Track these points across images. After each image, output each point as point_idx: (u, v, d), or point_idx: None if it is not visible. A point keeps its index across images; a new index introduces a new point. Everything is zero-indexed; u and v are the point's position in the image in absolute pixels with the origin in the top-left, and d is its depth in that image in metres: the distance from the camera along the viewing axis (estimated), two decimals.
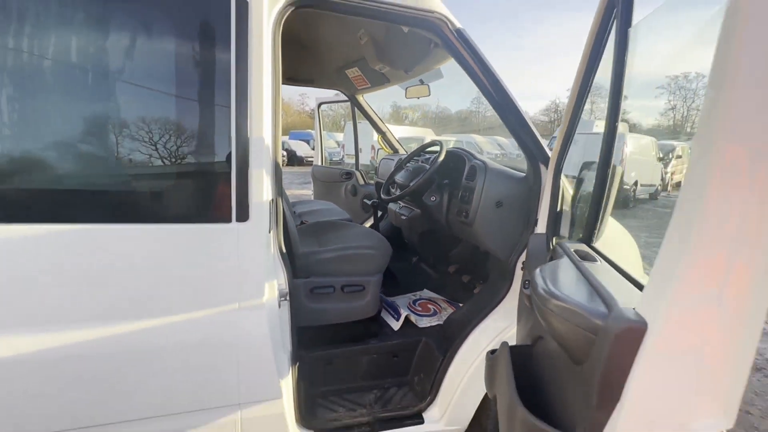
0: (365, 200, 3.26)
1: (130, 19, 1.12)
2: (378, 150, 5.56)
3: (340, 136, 17.37)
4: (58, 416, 1.15)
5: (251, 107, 1.25)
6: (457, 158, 2.10)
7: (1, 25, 0.97)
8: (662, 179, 12.84)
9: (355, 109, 3.49)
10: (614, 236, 1.74)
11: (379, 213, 2.99)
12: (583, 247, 1.24)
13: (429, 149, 2.39)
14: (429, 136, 11.62)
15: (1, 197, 1.06)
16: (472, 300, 1.93)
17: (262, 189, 1.28)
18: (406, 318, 2.06)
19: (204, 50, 1.19)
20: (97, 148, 1.18)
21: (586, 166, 1.53)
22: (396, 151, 3.56)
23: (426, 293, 2.37)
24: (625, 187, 10.50)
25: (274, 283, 1.37)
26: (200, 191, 1.25)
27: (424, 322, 2.05)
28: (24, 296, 1.08)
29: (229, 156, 1.23)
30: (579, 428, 0.79)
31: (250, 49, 1.23)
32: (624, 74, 1.13)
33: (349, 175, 3.69)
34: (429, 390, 1.76)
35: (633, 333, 0.66)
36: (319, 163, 4.36)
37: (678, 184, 17.38)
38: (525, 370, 1.10)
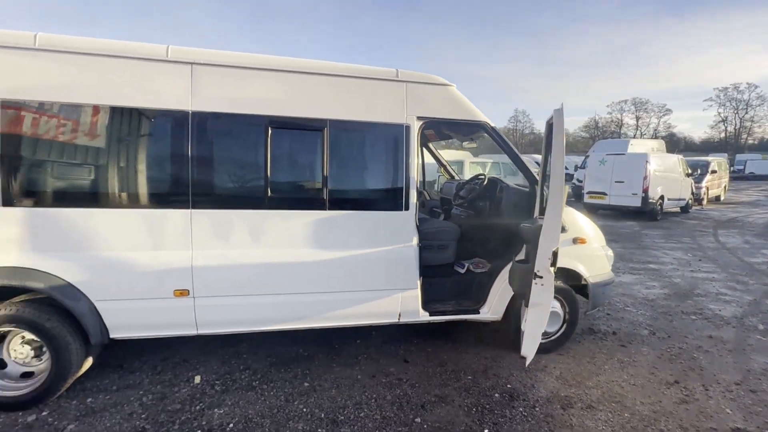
0: (434, 209, 5.05)
1: (374, 139, 3.01)
2: (439, 176, 7.39)
3: None
4: (346, 282, 2.98)
5: (410, 165, 3.05)
6: (494, 182, 3.86)
7: (341, 151, 2.90)
8: (692, 193, 13.55)
9: (423, 150, 5.33)
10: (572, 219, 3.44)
11: (441, 217, 4.76)
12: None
13: (479, 177, 4.15)
14: (467, 158, 13.31)
15: (330, 199, 2.91)
16: (501, 255, 3.62)
17: (413, 197, 3.07)
18: (468, 268, 3.76)
19: (397, 144, 3.00)
20: (368, 183, 3.09)
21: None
22: (452, 177, 5.35)
23: (477, 259, 4.07)
24: (650, 201, 11.56)
25: (415, 238, 3.14)
26: (393, 198, 3.03)
27: (478, 270, 3.73)
28: (336, 236, 2.94)
29: (402, 183, 3.04)
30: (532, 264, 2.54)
31: (410, 142, 3.05)
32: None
33: (420, 193, 5.51)
34: (481, 299, 3.44)
35: (539, 227, 2.42)
36: None
37: (717, 198, 17.71)
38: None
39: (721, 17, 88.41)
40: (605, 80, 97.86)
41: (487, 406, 2.71)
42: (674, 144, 55.66)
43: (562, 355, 3.48)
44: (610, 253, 3.74)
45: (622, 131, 64.44)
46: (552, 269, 2.45)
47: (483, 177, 3.95)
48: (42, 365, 2.67)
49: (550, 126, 2.85)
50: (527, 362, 2.68)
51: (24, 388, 2.60)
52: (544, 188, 3.26)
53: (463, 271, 3.71)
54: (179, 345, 3.42)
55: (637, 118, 66.57)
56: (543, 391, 2.91)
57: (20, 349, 2.62)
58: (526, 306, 2.61)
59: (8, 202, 2.45)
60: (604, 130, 66.66)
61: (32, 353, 2.64)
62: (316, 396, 2.81)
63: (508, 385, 2.97)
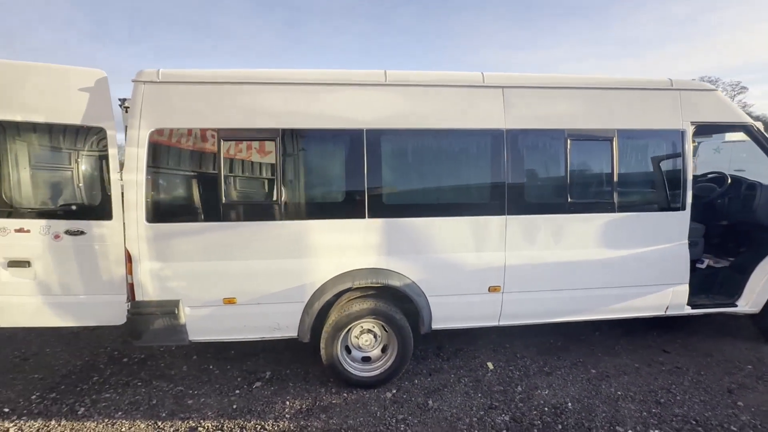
0: None
1: (656, 145, 3.24)
2: None
3: None
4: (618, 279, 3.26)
5: (687, 167, 3.24)
6: (738, 180, 3.98)
7: (628, 157, 3.16)
8: None
9: None
10: None
11: None
12: None
13: (712, 174, 4.30)
14: None
15: (619, 202, 3.18)
16: (752, 250, 3.72)
17: (689, 197, 3.28)
18: (708, 264, 3.91)
19: (675, 148, 3.21)
20: (651, 186, 3.29)
21: None
22: None
23: (706, 255, 4.19)
24: None
25: (687, 235, 3.34)
26: (674, 199, 3.23)
27: (718, 265, 3.88)
28: (623, 236, 3.20)
29: (681, 184, 3.23)
30: None
31: (686, 145, 3.24)
32: None
33: None
34: (735, 293, 3.58)
35: None
36: None
37: None
38: None
39: None
40: (664, 58, 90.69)
41: None
42: None
43: None
44: None
45: None
46: None
47: (722, 174, 4.07)
48: (375, 351, 3.16)
49: None
50: None
51: (375, 369, 3.09)
52: None
53: (703, 266, 3.86)
54: (440, 336, 3.83)
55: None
56: None
57: (364, 337, 3.12)
58: None
59: (372, 215, 2.92)
60: None
61: (373, 340, 3.13)
62: (614, 381, 3.10)
63: None
